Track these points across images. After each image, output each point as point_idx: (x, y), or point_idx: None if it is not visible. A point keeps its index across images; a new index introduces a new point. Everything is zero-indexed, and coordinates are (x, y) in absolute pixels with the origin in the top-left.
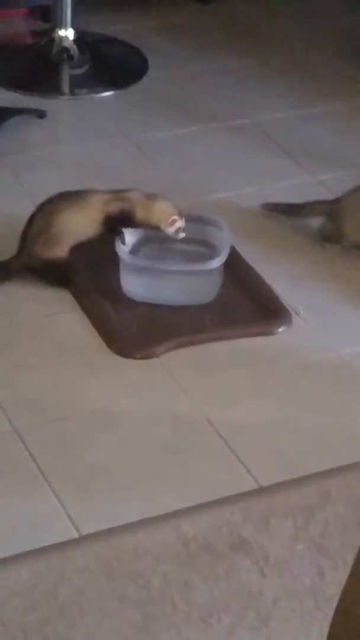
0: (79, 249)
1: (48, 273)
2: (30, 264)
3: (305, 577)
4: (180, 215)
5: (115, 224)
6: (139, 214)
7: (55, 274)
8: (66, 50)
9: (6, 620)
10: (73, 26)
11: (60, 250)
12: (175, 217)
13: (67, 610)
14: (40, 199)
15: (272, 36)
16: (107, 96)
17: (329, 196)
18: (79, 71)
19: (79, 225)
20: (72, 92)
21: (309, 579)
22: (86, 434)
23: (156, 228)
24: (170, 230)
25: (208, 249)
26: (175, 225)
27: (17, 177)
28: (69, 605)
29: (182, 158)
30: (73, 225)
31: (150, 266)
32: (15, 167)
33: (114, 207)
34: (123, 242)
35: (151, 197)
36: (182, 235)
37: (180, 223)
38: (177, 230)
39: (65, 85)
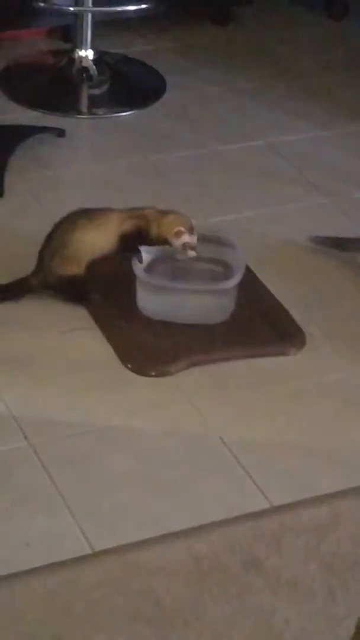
0: (96, 266)
1: (65, 290)
2: (48, 282)
3: (317, 597)
4: (192, 230)
5: (131, 242)
6: (153, 231)
7: (72, 291)
8: (86, 70)
9: (20, 635)
10: (93, 46)
11: (77, 268)
12: (180, 228)
13: (81, 626)
14: (59, 217)
15: (288, 59)
16: (125, 116)
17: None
18: (98, 91)
19: (95, 242)
20: (90, 112)
21: (320, 599)
22: (100, 450)
23: (166, 242)
24: (177, 242)
25: (224, 268)
26: (181, 238)
27: (36, 195)
28: (82, 621)
29: (199, 178)
30: (89, 242)
31: (165, 285)
32: (34, 185)
33: (129, 226)
34: (140, 261)
35: (164, 212)
36: (191, 253)
37: (187, 237)
38: (185, 245)
39: (84, 105)
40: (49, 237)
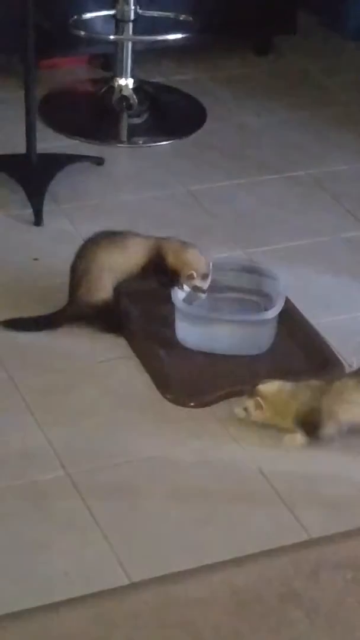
0: (135, 296)
1: (97, 318)
2: (80, 312)
3: (355, 630)
4: (205, 275)
5: (151, 271)
6: (170, 261)
7: (104, 319)
8: (125, 98)
9: None
10: (133, 75)
11: (104, 293)
12: (193, 273)
13: None
14: None
15: (328, 89)
16: (165, 145)
17: None
18: (137, 120)
19: (116, 264)
20: (130, 141)
21: (359, 632)
22: (138, 480)
23: (177, 275)
24: (187, 283)
25: (263, 299)
26: (191, 282)
27: (74, 223)
28: None
29: (238, 208)
30: (111, 264)
31: (205, 316)
32: (72, 214)
33: (150, 256)
34: (181, 288)
35: (183, 247)
36: (201, 296)
37: (198, 282)
38: (195, 288)
39: (124, 134)
40: (73, 267)
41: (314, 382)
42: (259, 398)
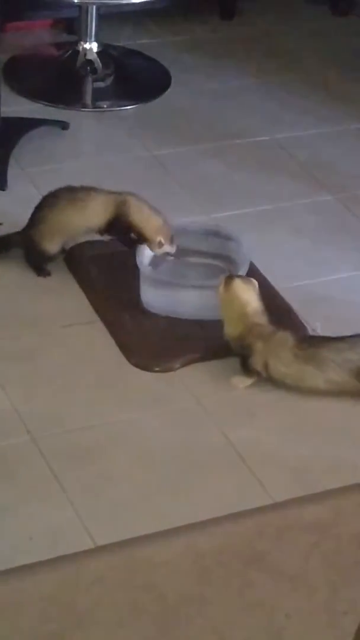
0: (100, 260)
1: (28, 256)
2: (23, 243)
3: (318, 592)
4: (172, 240)
5: (113, 229)
6: (135, 219)
7: (33, 260)
8: (90, 62)
9: (23, 629)
10: (97, 39)
11: (49, 244)
12: (162, 239)
13: (82, 620)
14: None
15: (294, 54)
16: (129, 109)
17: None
18: (102, 84)
19: (71, 223)
20: (94, 105)
21: (321, 594)
22: (103, 445)
23: (145, 240)
24: (157, 250)
25: (227, 263)
26: (162, 249)
27: (38, 187)
28: (84, 615)
29: (202, 173)
30: (65, 222)
31: (169, 280)
32: (37, 178)
33: (112, 214)
34: (141, 259)
35: (150, 210)
36: (170, 259)
37: (168, 248)
38: (165, 254)
39: (88, 98)
40: (36, 208)
41: (264, 321)
42: (225, 276)
